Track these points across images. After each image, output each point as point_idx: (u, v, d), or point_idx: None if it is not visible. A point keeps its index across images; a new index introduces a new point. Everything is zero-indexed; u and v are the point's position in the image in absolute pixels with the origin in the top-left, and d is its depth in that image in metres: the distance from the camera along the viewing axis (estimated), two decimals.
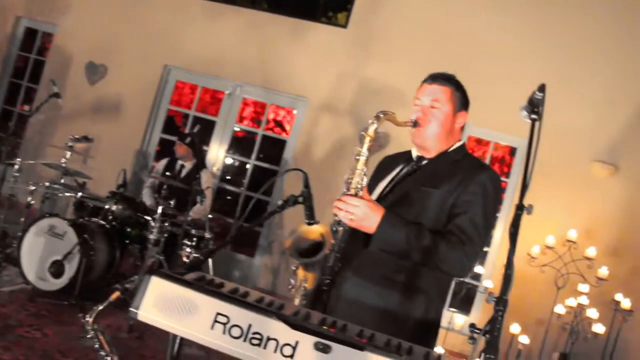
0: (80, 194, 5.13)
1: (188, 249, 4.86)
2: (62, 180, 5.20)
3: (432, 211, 2.22)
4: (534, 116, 1.74)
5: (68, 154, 5.17)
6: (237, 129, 7.60)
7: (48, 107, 5.87)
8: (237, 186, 7.36)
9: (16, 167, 5.10)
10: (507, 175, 6.46)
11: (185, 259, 4.82)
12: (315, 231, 2.24)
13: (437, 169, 2.32)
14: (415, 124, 2.30)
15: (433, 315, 2.26)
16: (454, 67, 2.72)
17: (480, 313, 6.30)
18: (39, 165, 6.13)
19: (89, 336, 2.01)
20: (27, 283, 4.71)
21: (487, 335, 1.36)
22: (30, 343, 3.86)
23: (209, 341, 1.62)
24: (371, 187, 2.42)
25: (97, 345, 1.92)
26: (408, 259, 2.14)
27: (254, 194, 7.31)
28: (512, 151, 6.90)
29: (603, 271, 5.45)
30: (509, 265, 1.42)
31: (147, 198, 5.85)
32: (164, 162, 6.09)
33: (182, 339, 1.82)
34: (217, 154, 7.08)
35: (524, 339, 5.21)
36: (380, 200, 2.32)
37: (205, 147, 6.94)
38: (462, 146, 2.40)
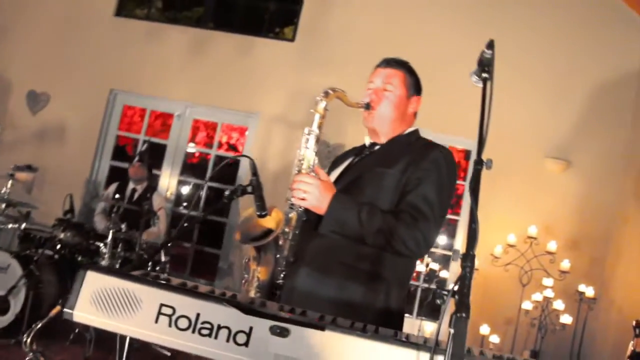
0: (24, 224, 4.88)
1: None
2: (4, 212, 4.93)
3: (386, 192, 2.13)
4: (485, 75, 1.68)
5: (10, 183, 4.93)
6: (190, 149, 7.43)
7: None
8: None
9: None
10: (464, 179, 6.48)
11: None
12: (268, 218, 2.14)
13: (390, 150, 2.25)
14: (367, 105, 2.24)
15: (394, 304, 2.14)
16: None
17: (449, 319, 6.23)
18: None
19: (27, 358, 1.85)
20: None
21: (456, 296, 1.27)
22: None
23: (153, 336, 1.49)
24: None
25: None
26: (362, 241, 2.04)
27: (212, 217, 7.12)
28: (467, 155, 6.93)
29: (565, 264, 5.48)
30: (473, 219, 1.34)
31: (99, 224, 5.62)
32: (113, 186, 5.88)
33: (132, 340, 1.68)
34: (170, 178, 6.89)
35: (494, 339, 5.16)
36: (334, 184, 2.22)
37: (157, 172, 6.75)
38: (416, 131, 2.34)
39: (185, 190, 8.27)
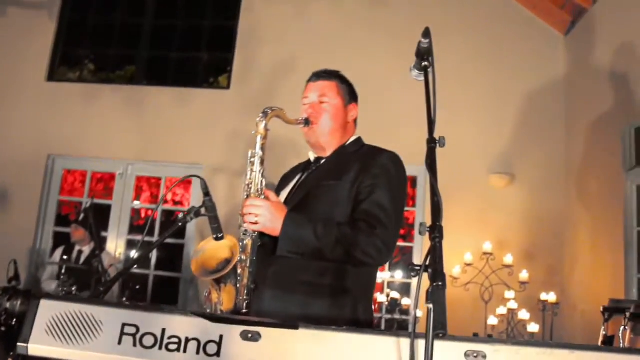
0: None
1: None
2: None
3: (339, 205, 2.11)
4: (425, 64, 1.72)
5: None
6: (135, 206, 7.24)
7: None
8: (145, 268, 6.93)
9: None
10: (413, 205, 6.55)
11: None
12: (222, 247, 2.06)
13: (336, 162, 2.24)
14: (307, 121, 2.22)
15: (362, 315, 2.10)
16: None
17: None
18: None
19: None
20: None
21: (430, 270, 1.25)
22: None
23: (119, 359, 1.39)
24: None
25: None
26: (322, 257, 2.00)
27: (163, 273, 6.92)
28: (414, 182, 7.01)
29: (524, 275, 5.53)
30: (435, 192, 1.34)
31: (48, 288, 5.36)
32: (59, 250, 5.68)
33: None
34: (117, 238, 6.68)
35: None
36: (286, 204, 2.18)
37: (104, 233, 6.53)
38: (359, 139, 2.34)
39: (133, 251, 8.04)
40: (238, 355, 1.35)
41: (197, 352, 1.36)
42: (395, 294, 5.89)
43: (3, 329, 4.47)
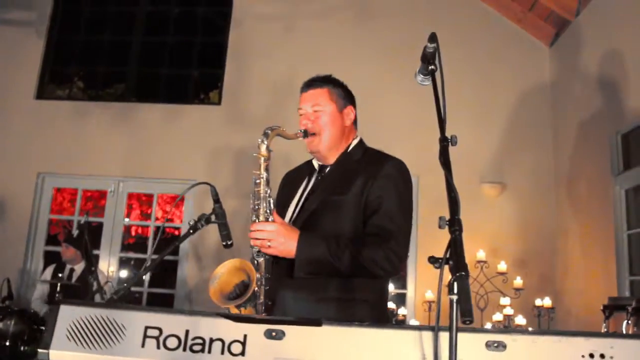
0: None
1: None
2: None
3: (347, 218, 2.13)
4: (432, 67, 1.76)
5: None
6: (127, 223, 7.19)
7: None
8: (138, 285, 6.88)
9: None
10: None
11: None
12: (235, 269, 2.05)
13: (341, 173, 2.25)
14: (305, 133, 2.23)
15: (379, 321, 2.12)
16: None
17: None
18: None
19: None
20: None
21: (451, 262, 1.28)
22: None
23: None
24: (278, 206, 2.29)
25: None
26: (338, 274, 2.02)
27: (157, 289, 6.87)
28: None
29: (518, 281, 5.58)
30: (451, 188, 1.38)
31: (38, 309, 5.28)
32: (50, 268, 5.61)
33: None
34: (110, 256, 6.62)
35: None
36: (294, 221, 2.21)
37: (95, 251, 6.48)
38: (360, 142, 2.36)
39: (125, 270, 7.97)
40: (263, 354, 1.36)
41: (222, 352, 1.37)
42: (391, 304, 5.89)
43: None
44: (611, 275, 5.04)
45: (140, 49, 7.24)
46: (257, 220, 2.06)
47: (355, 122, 2.37)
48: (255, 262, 2.06)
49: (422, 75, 1.87)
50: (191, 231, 1.95)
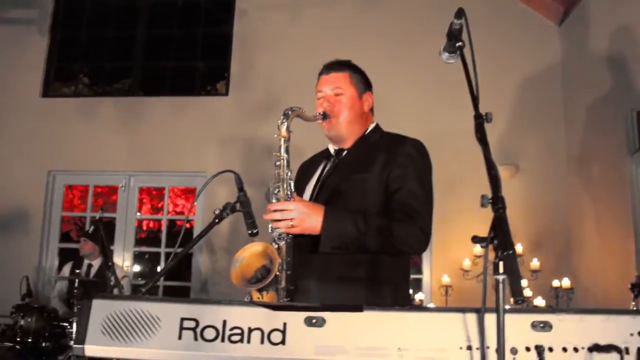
0: None
1: None
2: None
3: (370, 197, 2.10)
4: (459, 44, 1.71)
5: None
6: (138, 216, 7.18)
7: None
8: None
9: None
10: None
11: None
12: (257, 253, 2.01)
13: (359, 154, 2.23)
14: (324, 115, 2.20)
15: (402, 303, 2.09)
16: None
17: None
18: None
19: None
20: None
21: (495, 241, 1.24)
22: None
23: (180, 354, 1.36)
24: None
25: None
26: (364, 249, 1.98)
27: (173, 282, 6.87)
28: None
29: (534, 263, 5.54)
30: (491, 165, 1.34)
31: (57, 307, 5.29)
32: (68, 265, 5.63)
33: None
34: (124, 251, 6.62)
35: None
36: (314, 200, 2.17)
37: (109, 247, 6.47)
38: (377, 127, 2.34)
39: (140, 264, 7.99)
40: (304, 342, 1.32)
41: (262, 342, 1.33)
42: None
43: (18, 347, 4.40)
44: (630, 253, 5.00)
45: (144, 42, 7.20)
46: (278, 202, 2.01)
47: (372, 108, 2.35)
48: (276, 246, 2.01)
49: (447, 53, 1.82)
50: (217, 220, 1.91)
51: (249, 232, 1.99)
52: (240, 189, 1.98)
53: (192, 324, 1.37)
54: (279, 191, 2.03)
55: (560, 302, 5.33)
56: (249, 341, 1.34)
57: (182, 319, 1.37)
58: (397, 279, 2.12)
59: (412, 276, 6.37)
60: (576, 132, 6.03)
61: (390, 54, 6.51)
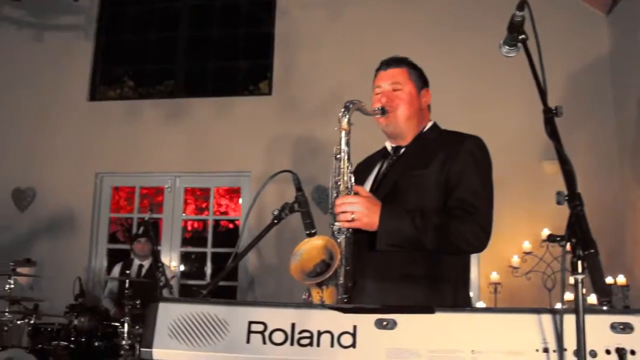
0: (33, 319, 4.65)
1: None
2: (10, 309, 4.71)
3: (429, 194, 2.07)
4: (522, 37, 1.66)
5: (12, 281, 4.72)
6: (184, 216, 7.26)
7: None
8: (200, 279, 6.98)
9: None
10: None
11: None
12: (317, 247, 2.00)
13: (418, 150, 2.20)
14: (383, 110, 2.18)
15: (462, 302, 2.07)
16: None
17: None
18: None
19: None
20: None
21: (573, 239, 1.19)
22: None
23: (249, 358, 1.35)
24: None
25: None
26: (421, 247, 1.95)
27: (220, 282, 6.91)
28: None
29: None
30: (565, 160, 1.30)
31: (109, 307, 5.39)
32: (118, 266, 5.73)
33: None
34: (171, 251, 6.71)
35: None
36: None
37: (158, 247, 6.57)
38: (435, 125, 2.31)
39: (186, 264, 8.08)
40: (375, 345, 1.30)
41: (332, 345, 1.31)
42: None
43: (72, 346, 4.49)
44: None
45: (186, 44, 7.28)
46: (337, 197, 2.00)
47: (429, 106, 2.32)
48: (337, 241, 1.99)
49: (507, 47, 1.78)
50: (275, 221, 1.90)
51: (307, 232, 1.97)
52: (299, 188, 1.96)
53: (260, 328, 1.36)
54: (339, 185, 2.02)
55: (615, 300, 5.17)
56: (318, 344, 1.32)
57: (250, 322, 1.36)
58: (457, 278, 2.09)
59: None
60: (628, 124, 5.83)
61: (432, 50, 6.40)
